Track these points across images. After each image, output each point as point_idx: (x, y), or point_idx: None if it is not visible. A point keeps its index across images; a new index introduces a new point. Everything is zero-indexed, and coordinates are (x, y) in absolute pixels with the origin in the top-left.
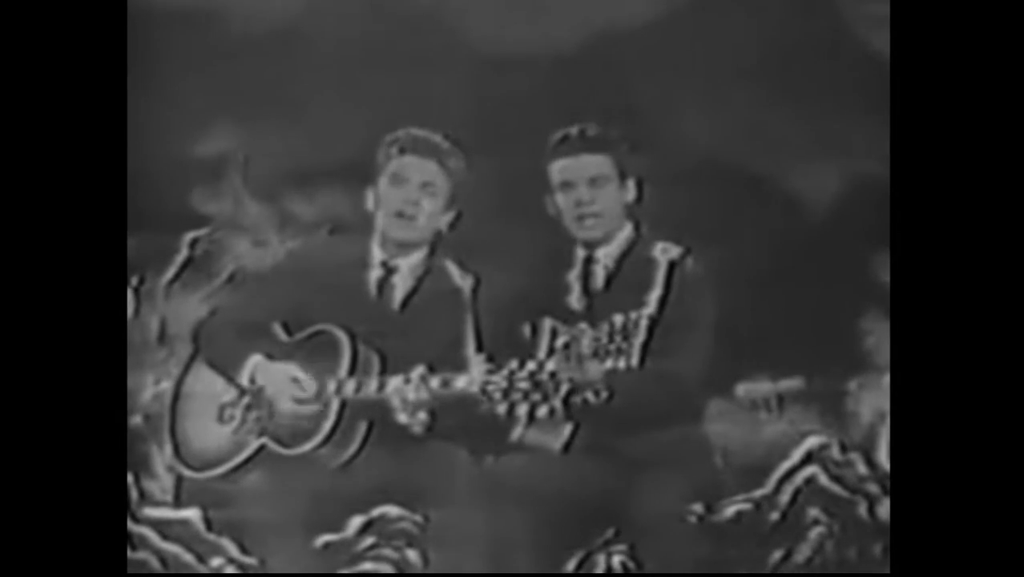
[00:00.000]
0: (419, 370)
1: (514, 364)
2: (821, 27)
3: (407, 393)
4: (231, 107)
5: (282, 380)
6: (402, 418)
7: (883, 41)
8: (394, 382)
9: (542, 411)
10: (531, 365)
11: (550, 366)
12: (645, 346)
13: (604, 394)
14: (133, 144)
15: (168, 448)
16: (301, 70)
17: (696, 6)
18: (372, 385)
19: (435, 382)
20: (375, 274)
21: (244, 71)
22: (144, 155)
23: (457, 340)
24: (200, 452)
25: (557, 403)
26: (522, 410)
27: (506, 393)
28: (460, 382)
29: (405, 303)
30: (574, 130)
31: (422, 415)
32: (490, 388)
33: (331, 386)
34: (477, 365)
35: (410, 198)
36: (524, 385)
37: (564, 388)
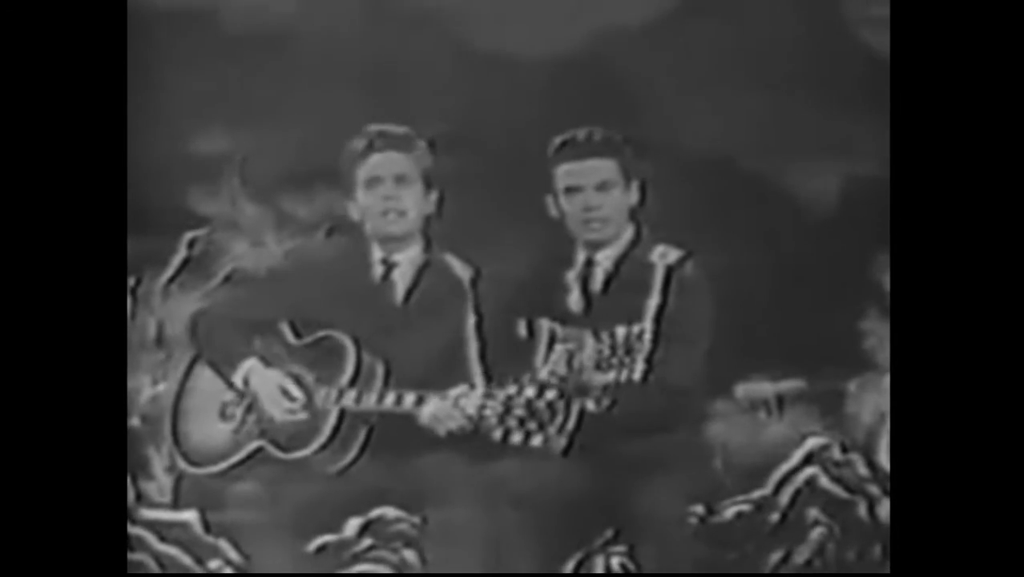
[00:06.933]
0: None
1: (512, 389)
2: (821, 27)
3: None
4: (229, 107)
5: (272, 387)
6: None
7: (883, 41)
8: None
9: (536, 440)
10: (529, 391)
11: (549, 396)
12: (648, 359)
13: (605, 402)
14: (130, 144)
15: (167, 446)
16: (299, 70)
17: (696, 7)
18: (372, 397)
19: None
20: (375, 272)
21: (242, 71)
22: (141, 155)
23: (460, 344)
24: (201, 448)
25: (552, 432)
26: (516, 437)
27: (502, 419)
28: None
29: (406, 300)
30: (581, 134)
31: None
32: (486, 412)
33: (332, 394)
34: (478, 379)
35: (389, 194)
36: (520, 413)
37: (560, 418)
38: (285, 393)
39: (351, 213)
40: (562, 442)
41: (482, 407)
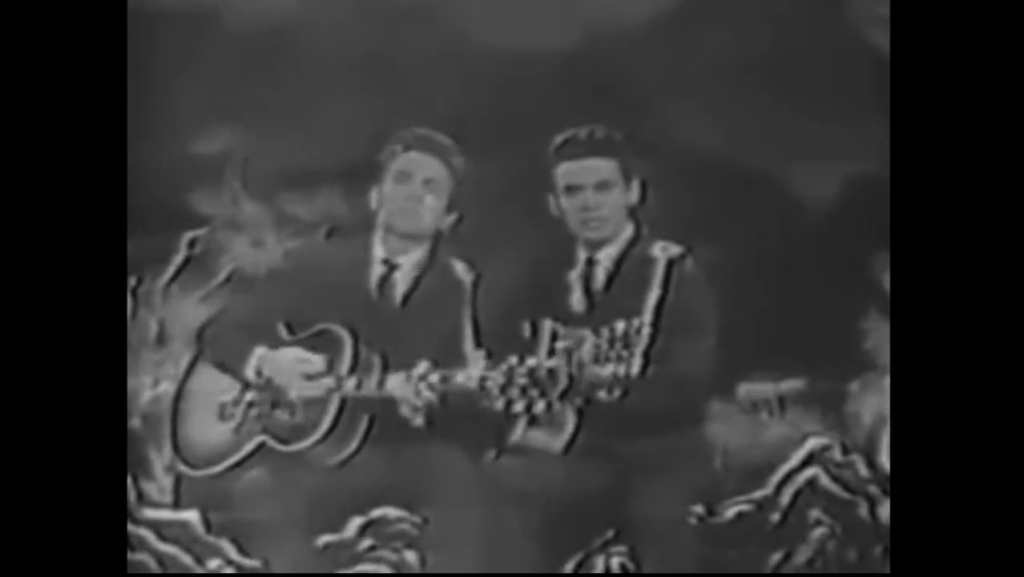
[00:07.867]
0: (422, 367)
1: (513, 360)
2: (821, 27)
3: (409, 390)
4: (229, 107)
5: (289, 364)
6: (406, 412)
7: (883, 41)
8: (396, 379)
9: (539, 407)
10: (531, 361)
11: (550, 363)
12: (646, 353)
13: (617, 392)
14: (131, 144)
15: (168, 447)
16: (300, 70)
17: (697, 6)
18: (372, 383)
19: (435, 377)
20: (376, 272)
21: (243, 71)
22: (142, 155)
23: (458, 338)
24: (201, 449)
25: (555, 399)
26: (519, 406)
27: (504, 389)
28: (459, 377)
29: (406, 300)
30: (582, 132)
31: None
32: (488, 384)
33: (331, 382)
34: (476, 360)
35: (413, 194)
36: (522, 381)
37: (562, 385)
38: (303, 362)
39: (371, 199)
40: (567, 433)
41: (484, 378)
